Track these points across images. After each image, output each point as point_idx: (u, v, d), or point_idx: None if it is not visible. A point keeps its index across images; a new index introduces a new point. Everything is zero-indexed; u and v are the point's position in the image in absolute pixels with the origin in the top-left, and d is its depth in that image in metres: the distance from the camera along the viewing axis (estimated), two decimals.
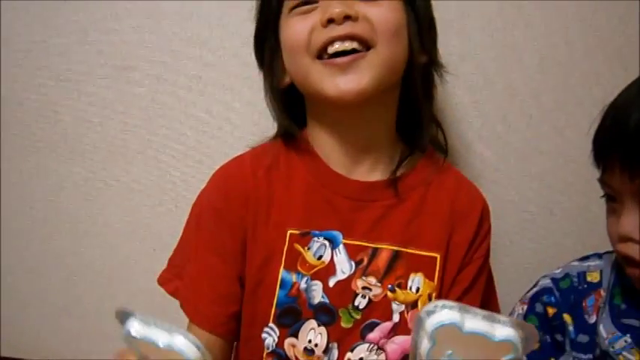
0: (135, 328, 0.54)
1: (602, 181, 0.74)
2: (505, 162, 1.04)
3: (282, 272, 0.78)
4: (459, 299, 0.81)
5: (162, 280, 0.86)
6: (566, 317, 0.80)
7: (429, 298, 0.80)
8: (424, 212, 0.81)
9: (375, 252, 0.79)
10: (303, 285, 0.78)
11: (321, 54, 0.74)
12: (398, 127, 0.83)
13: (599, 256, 0.83)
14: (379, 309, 0.79)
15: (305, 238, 0.79)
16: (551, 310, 0.81)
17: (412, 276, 0.79)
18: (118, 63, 1.07)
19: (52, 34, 1.07)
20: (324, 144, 0.81)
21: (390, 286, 0.79)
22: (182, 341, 0.54)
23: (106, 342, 1.12)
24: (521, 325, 0.52)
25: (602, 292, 0.79)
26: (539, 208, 1.06)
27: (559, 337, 0.80)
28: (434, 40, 0.83)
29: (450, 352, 0.52)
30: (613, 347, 0.75)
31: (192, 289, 0.81)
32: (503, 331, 0.51)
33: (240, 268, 0.80)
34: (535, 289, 0.83)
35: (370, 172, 0.81)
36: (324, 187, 0.80)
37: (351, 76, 0.73)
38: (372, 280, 0.79)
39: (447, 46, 0.90)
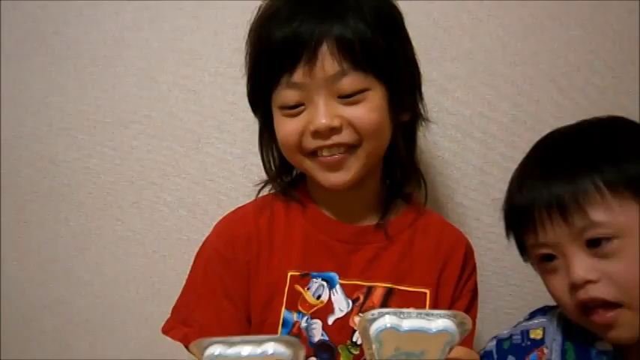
0: (219, 350, 0.56)
1: (535, 245, 0.76)
2: (484, 212, 1.08)
3: (284, 312, 0.82)
4: None
5: (168, 329, 0.86)
6: None
7: None
8: (413, 252, 0.87)
9: (369, 290, 0.84)
10: (303, 324, 0.82)
11: (313, 152, 0.81)
12: (384, 175, 0.89)
13: (544, 312, 0.85)
14: None
15: (304, 279, 0.83)
16: None
17: None
18: (116, 118, 1.10)
19: (52, 90, 1.10)
20: (320, 197, 0.88)
21: None
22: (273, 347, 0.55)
23: None
24: (454, 313, 0.58)
25: (545, 350, 0.80)
26: (518, 256, 1.10)
27: None
28: (419, 93, 0.88)
29: (396, 348, 0.57)
30: None
31: (203, 333, 0.80)
32: (438, 323, 0.56)
33: (248, 310, 0.84)
34: (481, 352, 0.86)
35: (362, 219, 0.88)
36: (321, 232, 0.86)
37: (340, 172, 0.81)
38: None
39: (429, 102, 0.95)
